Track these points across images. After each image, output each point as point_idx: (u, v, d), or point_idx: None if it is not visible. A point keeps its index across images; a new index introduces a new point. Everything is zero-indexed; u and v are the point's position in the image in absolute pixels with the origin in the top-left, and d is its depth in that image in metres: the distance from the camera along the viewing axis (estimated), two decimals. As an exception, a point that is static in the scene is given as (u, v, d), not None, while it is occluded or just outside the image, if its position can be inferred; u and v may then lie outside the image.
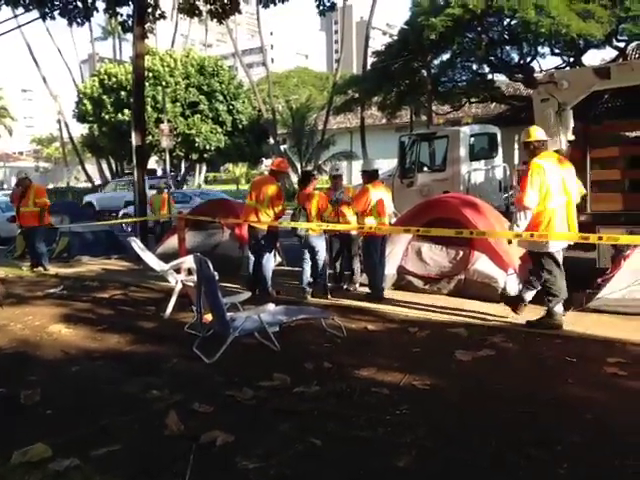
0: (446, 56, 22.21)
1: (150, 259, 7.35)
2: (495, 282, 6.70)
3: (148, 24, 13.80)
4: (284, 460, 3.08)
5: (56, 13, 14.17)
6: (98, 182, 42.91)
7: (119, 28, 19.84)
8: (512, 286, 6.61)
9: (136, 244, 7.47)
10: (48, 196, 11.29)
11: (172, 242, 9.85)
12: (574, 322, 5.74)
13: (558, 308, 5.72)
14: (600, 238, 5.25)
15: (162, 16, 14.30)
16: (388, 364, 4.66)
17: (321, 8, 13.33)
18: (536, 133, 5.82)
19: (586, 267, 7.27)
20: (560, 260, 5.66)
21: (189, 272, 6.85)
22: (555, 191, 5.48)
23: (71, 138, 44.60)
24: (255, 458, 3.09)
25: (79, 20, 14.36)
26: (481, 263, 6.82)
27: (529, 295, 5.90)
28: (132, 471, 3.03)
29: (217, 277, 4.98)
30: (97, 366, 4.85)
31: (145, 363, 4.89)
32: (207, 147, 31.39)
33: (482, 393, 4.07)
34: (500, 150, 11.52)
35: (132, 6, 12.93)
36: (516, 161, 9.66)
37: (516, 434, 3.37)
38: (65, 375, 4.63)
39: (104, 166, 41.59)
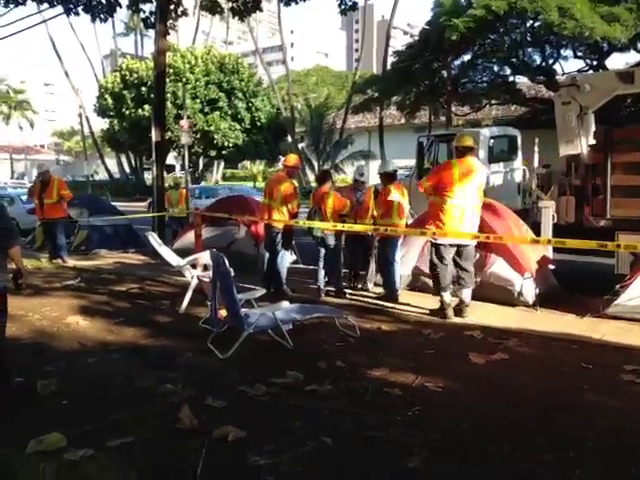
0: (467, 57, 22.08)
1: (167, 254, 7.40)
2: (511, 285, 6.65)
3: (170, 21, 13.90)
4: (295, 457, 3.09)
5: (80, 9, 14.33)
6: (117, 176, 43.34)
7: (141, 24, 20.04)
8: (528, 290, 6.55)
9: (153, 239, 7.53)
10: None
11: (189, 237, 9.91)
12: (591, 328, 5.68)
13: (446, 298, 6.17)
14: (618, 246, 5.18)
15: (184, 13, 14.40)
16: (401, 365, 4.65)
17: (342, 7, 13.33)
18: (464, 140, 6.23)
19: (605, 273, 7.20)
20: (447, 255, 6.16)
21: (205, 268, 6.88)
22: (458, 192, 5.98)
23: (91, 132, 45.10)
24: (266, 454, 3.10)
25: (102, 16, 14.51)
26: (498, 266, 6.76)
27: (465, 294, 6.23)
28: (145, 463, 3.06)
29: (232, 274, 5.00)
30: (113, 358, 4.91)
31: (160, 357, 4.93)
32: (225, 144, 31.56)
33: (495, 397, 4.04)
34: (520, 153, 11.42)
35: (155, 3, 13.03)
36: (536, 164, 9.54)
37: (529, 439, 3.35)
38: (81, 366, 4.69)
39: (123, 160, 41.98)
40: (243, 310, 5.07)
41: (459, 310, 6.23)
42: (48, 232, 10.84)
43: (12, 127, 62.48)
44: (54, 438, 3.20)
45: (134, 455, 3.14)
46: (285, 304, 5.10)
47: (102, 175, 48.56)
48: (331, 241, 7.29)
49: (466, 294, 6.26)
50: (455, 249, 6.23)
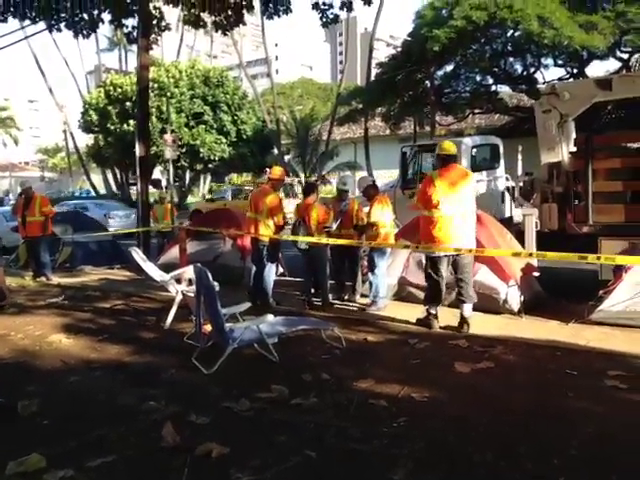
0: (449, 67, 22.37)
1: (151, 269, 7.35)
2: (496, 293, 6.67)
3: (153, 35, 13.92)
4: (279, 473, 3.06)
5: (62, 25, 14.31)
6: (103, 192, 43.06)
7: (125, 39, 20.05)
8: (513, 297, 6.57)
9: (137, 254, 7.48)
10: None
11: (174, 252, 9.87)
12: (575, 334, 5.71)
13: (432, 310, 6.20)
14: (598, 258, 5.22)
15: (167, 28, 14.44)
16: (387, 376, 4.63)
17: (324, 20, 13.41)
18: (446, 148, 6.24)
19: (589, 279, 7.25)
20: (442, 267, 6.11)
21: (190, 282, 6.84)
22: (443, 202, 5.96)
23: (76, 148, 44.85)
24: (250, 470, 3.07)
25: (85, 32, 14.50)
26: (482, 274, 6.79)
27: (466, 309, 6.10)
28: (126, 483, 3.02)
29: (217, 288, 4.98)
30: (96, 376, 4.84)
31: (144, 374, 4.88)
32: (211, 157, 31.50)
33: (480, 406, 4.04)
34: (502, 161, 11.51)
35: (137, 18, 13.04)
36: (519, 172, 9.63)
37: (514, 447, 3.34)
38: (63, 385, 4.62)
39: (109, 176, 41.77)
40: (228, 324, 5.03)
41: (459, 324, 6.07)
42: (31, 250, 10.74)
43: (-4, 144, 62.08)
44: (34, 459, 3.15)
45: (116, 474, 3.10)
46: (270, 317, 5.07)
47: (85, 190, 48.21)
48: (317, 253, 7.27)
49: (467, 309, 6.11)
50: (449, 260, 6.16)
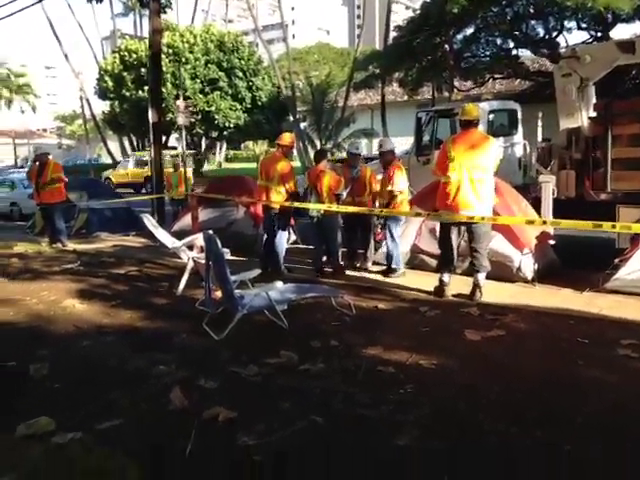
0: (469, 31, 21.73)
1: (163, 236, 7.36)
2: (510, 261, 6.59)
3: (165, -1, 13.71)
4: (284, 437, 3.08)
5: (74, -11, 14.14)
6: (120, 159, 43.19)
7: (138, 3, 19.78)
8: (527, 265, 6.49)
9: (149, 221, 7.49)
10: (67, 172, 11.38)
11: (188, 219, 9.89)
12: (589, 303, 5.64)
13: (445, 277, 6.13)
14: (613, 227, 5.08)
15: (179, -9, 14.17)
16: (396, 343, 4.62)
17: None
18: (466, 112, 6.05)
19: (605, 247, 7.14)
20: (452, 234, 6.12)
21: (202, 249, 6.85)
22: (455, 168, 5.84)
23: (93, 115, 44.89)
24: (256, 434, 3.09)
25: (97, -4, 14.33)
26: (496, 242, 6.68)
27: (480, 278, 6.00)
28: (133, 445, 3.05)
29: (228, 254, 4.96)
30: (107, 341, 4.89)
31: (155, 339, 4.92)
32: (226, 124, 31.33)
33: (489, 373, 4.02)
34: (520, 127, 11.26)
35: (149, -19, 12.82)
36: (539, 139, 9.40)
37: (523, 415, 3.33)
38: (75, 349, 4.68)
39: (125, 143, 41.86)
40: (237, 291, 5.04)
41: (472, 292, 5.98)
42: (46, 216, 10.84)
43: (14, 111, 62.24)
44: (43, 422, 3.20)
45: (123, 436, 3.13)
46: (279, 284, 5.06)
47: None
48: (328, 220, 7.22)
49: (480, 277, 6.00)
50: (463, 227, 6.09)
